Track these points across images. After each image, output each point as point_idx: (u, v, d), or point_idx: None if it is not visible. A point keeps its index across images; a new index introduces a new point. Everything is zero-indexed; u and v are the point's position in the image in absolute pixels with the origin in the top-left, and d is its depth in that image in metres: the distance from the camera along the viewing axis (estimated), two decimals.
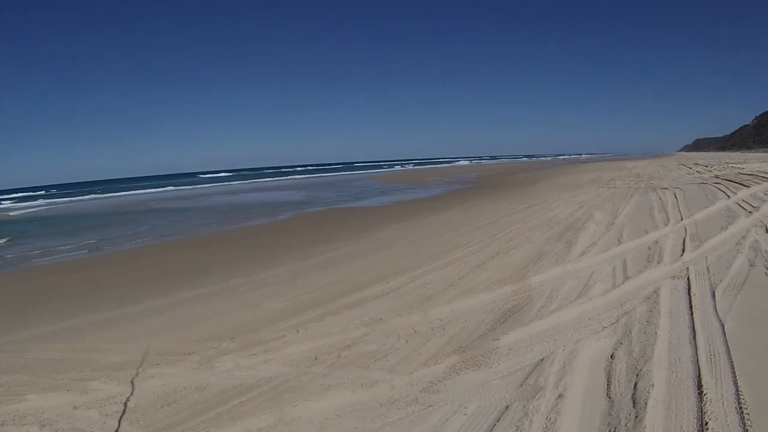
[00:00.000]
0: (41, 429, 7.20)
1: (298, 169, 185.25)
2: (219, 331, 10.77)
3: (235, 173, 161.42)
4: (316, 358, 8.83)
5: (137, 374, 8.77)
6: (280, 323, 10.91)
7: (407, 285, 13.03)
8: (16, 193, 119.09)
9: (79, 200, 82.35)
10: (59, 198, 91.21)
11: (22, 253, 25.65)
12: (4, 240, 30.24)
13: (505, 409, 6.64)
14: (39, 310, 14.17)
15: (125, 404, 7.76)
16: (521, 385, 7.22)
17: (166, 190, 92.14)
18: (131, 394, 8.08)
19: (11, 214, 60.46)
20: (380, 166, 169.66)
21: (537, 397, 6.78)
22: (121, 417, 7.40)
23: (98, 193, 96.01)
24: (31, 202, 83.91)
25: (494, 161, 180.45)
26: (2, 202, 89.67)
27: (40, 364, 9.89)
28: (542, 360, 7.91)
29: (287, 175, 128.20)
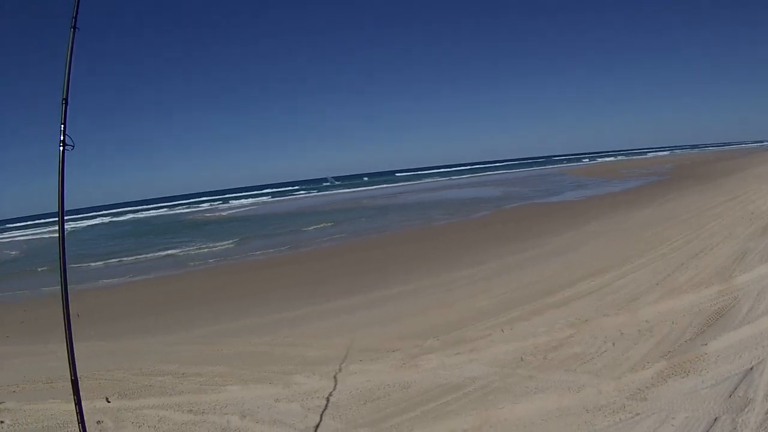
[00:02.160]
0: (242, 419, 7.30)
1: (495, 164, 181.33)
2: (422, 329, 10.58)
3: (432, 170, 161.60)
4: (521, 359, 8.43)
5: (340, 370, 8.76)
6: (484, 322, 10.57)
7: (611, 284, 12.28)
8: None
9: (292, 198, 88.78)
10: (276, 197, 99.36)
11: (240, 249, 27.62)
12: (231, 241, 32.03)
13: (714, 422, 5.96)
14: (243, 304, 14.90)
15: (327, 399, 7.73)
16: (730, 396, 6.47)
17: (375, 188, 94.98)
18: (334, 389, 8.05)
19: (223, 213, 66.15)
20: (573, 160, 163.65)
21: (746, 410, 6.04)
22: (323, 411, 7.36)
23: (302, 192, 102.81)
24: (243, 201, 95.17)
25: (693, 150, 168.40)
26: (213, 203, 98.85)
27: (242, 357, 10.19)
28: (751, 369, 7.06)
29: (481, 172, 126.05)
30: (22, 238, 67.33)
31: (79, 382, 9.55)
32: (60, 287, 4.07)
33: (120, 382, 9.26)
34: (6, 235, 79.91)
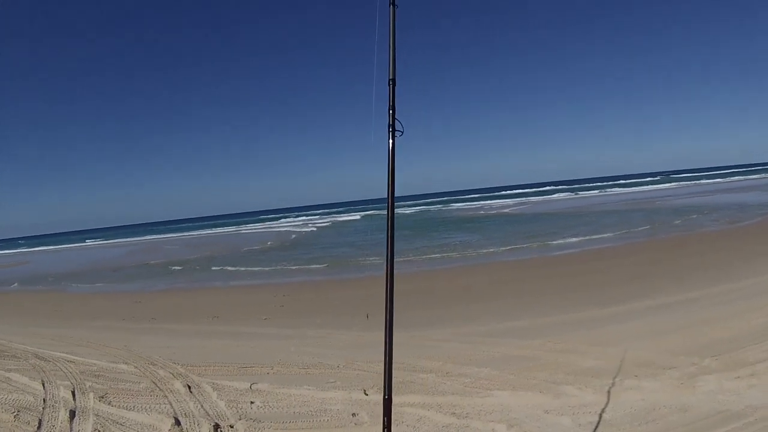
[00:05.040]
0: (508, 429, 6.63)
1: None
2: (698, 345, 9.52)
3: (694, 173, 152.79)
4: None
5: (614, 384, 7.91)
6: (764, 343, 9.26)
7: None
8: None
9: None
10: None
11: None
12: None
13: None
14: (512, 304, 14.76)
15: (600, 416, 6.90)
16: None
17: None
18: (606, 404, 7.21)
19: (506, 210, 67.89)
20: None
21: None
22: (594, 429, 6.57)
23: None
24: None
25: None
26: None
27: (510, 360, 9.70)
28: None
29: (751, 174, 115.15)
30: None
31: (338, 371, 9.63)
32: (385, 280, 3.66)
33: (380, 375, 9.00)
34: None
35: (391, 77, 3.69)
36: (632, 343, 9.98)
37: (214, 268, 33.73)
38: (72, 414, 7.77)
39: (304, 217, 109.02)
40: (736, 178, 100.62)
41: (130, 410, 7.93)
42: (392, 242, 3.69)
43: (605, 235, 29.56)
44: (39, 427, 7.29)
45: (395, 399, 7.73)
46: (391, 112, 3.66)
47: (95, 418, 7.62)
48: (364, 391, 8.19)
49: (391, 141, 3.64)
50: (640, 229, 31.00)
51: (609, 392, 7.58)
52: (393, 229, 3.69)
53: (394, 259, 3.68)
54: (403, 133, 3.68)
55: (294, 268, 29.35)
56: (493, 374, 8.86)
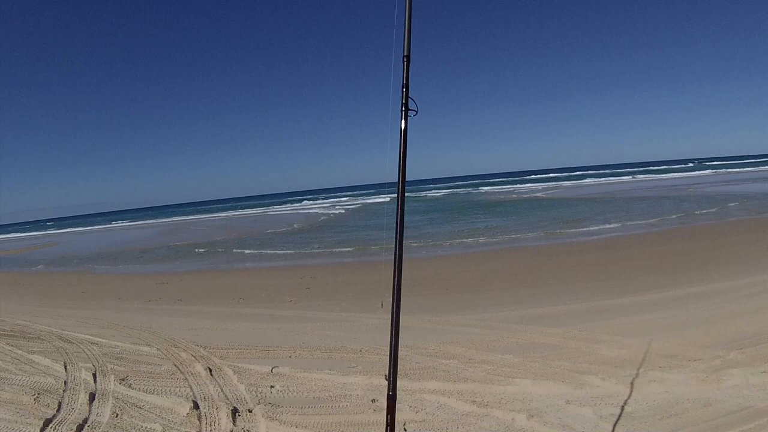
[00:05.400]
0: (528, 419, 6.56)
1: None
2: (724, 338, 9.37)
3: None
4: None
5: (637, 375, 7.81)
6: None
7: None
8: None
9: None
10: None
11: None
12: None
13: None
14: (539, 290, 14.80)
15: (622, 407, 6.81)
16: None
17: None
18: (629, 396, 7.12)
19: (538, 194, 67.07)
20: None
21: None
22: (616, 421, 6.48)
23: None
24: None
25: None
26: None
27: (533, 348, 9.62)
28: None
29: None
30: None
31: (360, 355, 9.61)
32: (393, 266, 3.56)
33: (402, 361, 9.04)
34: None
35: (405, 53, 3.56)
36: (656, 334, 9.86)
37: (241, 249, 33.94)
38: (92, 397, 7.90)
39: (333, 200, 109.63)
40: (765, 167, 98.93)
41: (149, 393, 8.02)
42: (401, 232, 3.57)
43: (632, 223, 29.42)
44: (59, 410, 7.40)
45: (416, 385, 7.77)
46: (404, 90, 3.54)
47: (114, 401, 7.72)
48: (386, 376, 8.14)
49: (403, 121, 3.51)
50: (667, 216, 30.73)
51: (632, 383, 7.48)
52: (403, 216, 3.58)
53: (405, 247, 3.58)
54: (417, 112, 3.56)
55: (321, 250, 29.44)
56: (515, 361, 8.80)
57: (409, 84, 3.55)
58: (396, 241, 3.55)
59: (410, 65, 3.56)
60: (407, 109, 3.53)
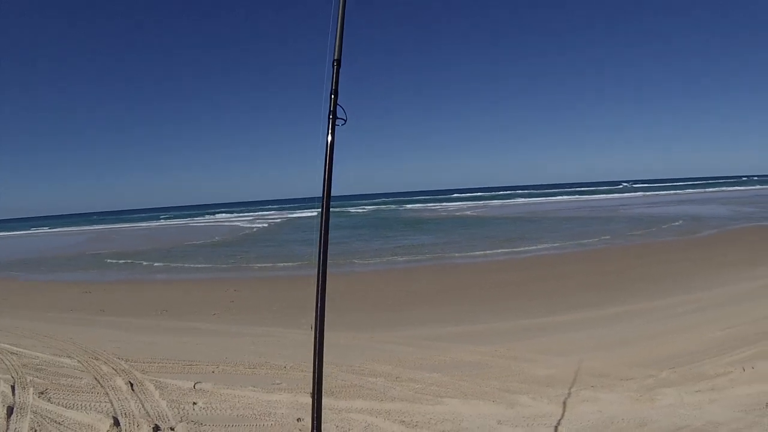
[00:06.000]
0: None
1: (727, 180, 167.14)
2: (655, 357, 9.43)
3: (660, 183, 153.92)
4: (767, 406, 6.98)
5: (569, 394, 7.71)
6: (723, 356, 9.23)
7: None
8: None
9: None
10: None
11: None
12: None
13: None
14: (467, 308, 14.71)
15: (555, 428, 6.67)
16: None
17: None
18: (562, 416, 6.99)
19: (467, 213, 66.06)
20: None
21: None
22: None
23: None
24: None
25: None
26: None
27: (461, 366, 9.48)
28: None
29: (709, 188, 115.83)
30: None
31: (285, 372, 9.33)
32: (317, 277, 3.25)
33: (328, 378, 8.74)
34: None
35: (336, 57, 3.25)
36: (586, 352, 9.87)
37: (164, 261, 33.02)
38: (10, 411, 7.42)
39: (257, 213, 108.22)
40: (691, 190, 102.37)
41: (69, 408, 7.58)
42: (326, 249, 3.26)
43: (559, 243, 29.73)
44: None
45: (342, 404, 7.48)
46: (332, 96, 3.21)
47: (33, 416, 7.27)
48: (311, 394, 7.88)
49: (330, 130, 3.19)
50: (597, 237, 31.20)
51: (564, 403, 7.37)
52: (327, 233, 3.27)
53: (331, 261, 3.31)
54: (346, 121, 3.24)
55: (245, 264, 28.99)
56: (444, 380, 8.62)
57: (338, 91, 3.23)
58: (319, 261, 3.24)
59: (340, 70, 3.23)
60: (335, 118, 3.22)
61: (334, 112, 3.21)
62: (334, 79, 3.23)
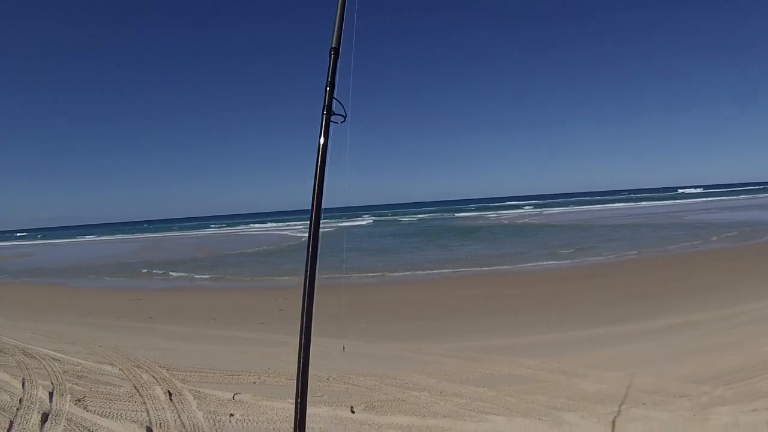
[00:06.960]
0: None
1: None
2: (710, 373, 8.97)
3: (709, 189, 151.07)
4: None
5: (619, 413, 7.37)
6: None
7: None
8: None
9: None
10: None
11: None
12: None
13: None
14: (518, 319, 14.47)
15: None
16: None
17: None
18: None
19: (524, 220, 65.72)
20: None
21: None
22: None
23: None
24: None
25: None
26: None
27: (508, 380, 9.22)
28: None
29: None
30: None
31: (327, 384, 9.16)
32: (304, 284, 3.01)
33: (370, 391, 8.66)
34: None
35: (333, 45, 2.90)
36: (638, 367, 9.47)
37: (214, 269, 33.30)
38: (44, 417, 7.47)
39: (305, 221, 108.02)
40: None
41: (104, 416, 7.60)
42: (315, 257, 3.08)
43: (611, 251, 29.10)
44: (9, 429, 6.98)
45: (382, 419, 7.27)
46: (327, 89, 2.87)
47: (66, 424, 7.30)
48: (351, 408, 7.68)
49: (324, 128, 2.86)
50: (647, 246, 30.41)
51: (614, 422, 7.05)
52: (317, 241, 3.06)
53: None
54: (345, 118, 2.88)
55: (295, 272, 28.88)
56: (489, 395, 8.36)
57: (335, 83, 2.87)
58: (306, 269, 3.11)
59: (338, 60, 2.88)
60: (329, 113, 2.86)
61: (328, 107, 2.87)
62: (331, 69, 2.89)
